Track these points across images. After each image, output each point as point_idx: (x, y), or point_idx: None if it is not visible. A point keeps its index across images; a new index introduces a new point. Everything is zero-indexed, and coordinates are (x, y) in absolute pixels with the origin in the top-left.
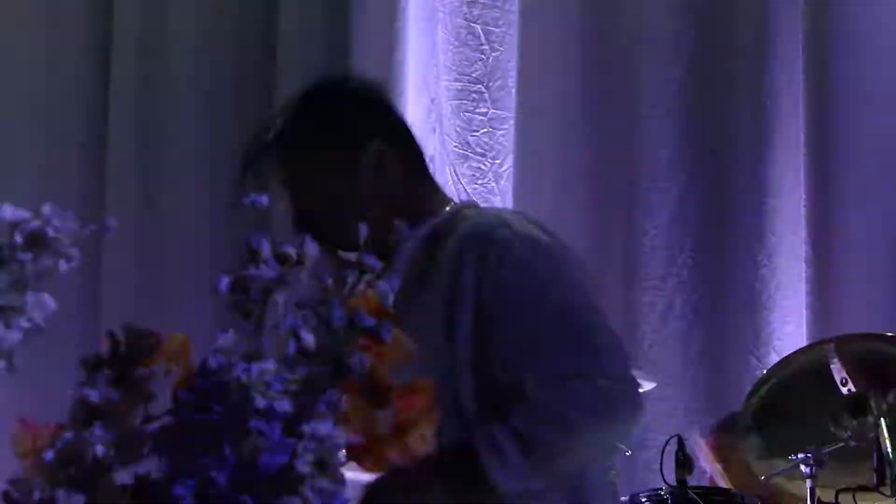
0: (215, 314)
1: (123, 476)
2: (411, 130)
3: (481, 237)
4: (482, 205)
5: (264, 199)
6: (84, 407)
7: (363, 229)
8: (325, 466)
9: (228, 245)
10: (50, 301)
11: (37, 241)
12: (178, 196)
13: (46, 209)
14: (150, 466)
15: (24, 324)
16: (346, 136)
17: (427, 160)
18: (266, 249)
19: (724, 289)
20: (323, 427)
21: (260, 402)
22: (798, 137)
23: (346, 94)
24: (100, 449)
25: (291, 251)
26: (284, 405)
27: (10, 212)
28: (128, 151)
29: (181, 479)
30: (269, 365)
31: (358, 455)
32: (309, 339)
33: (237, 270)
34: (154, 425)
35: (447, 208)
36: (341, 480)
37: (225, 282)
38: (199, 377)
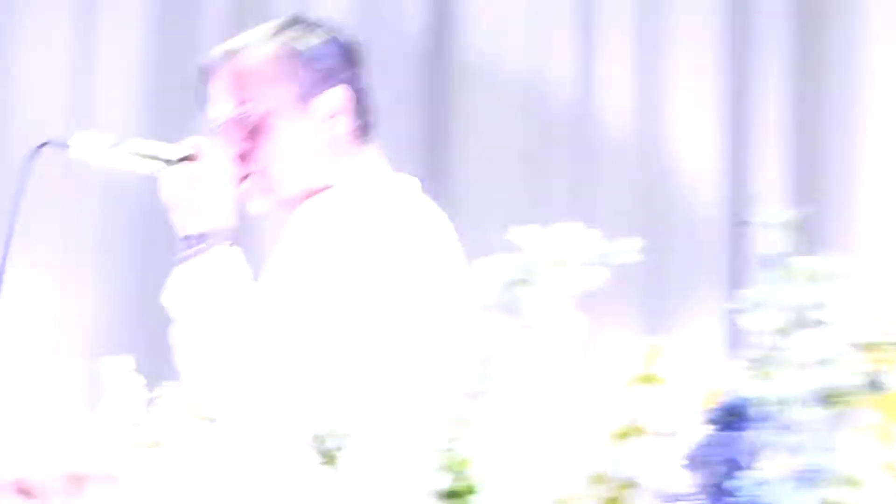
0: None
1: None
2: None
3: None
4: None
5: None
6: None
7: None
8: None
9: None
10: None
11: None
12: None
13: None
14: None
15: None
16: (314, 70)
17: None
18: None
19: None
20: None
21: (784, 418)
22: None
23: (327, 34)
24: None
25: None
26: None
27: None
28: None
29: (714, 496)
30: (795, 381)
31: None
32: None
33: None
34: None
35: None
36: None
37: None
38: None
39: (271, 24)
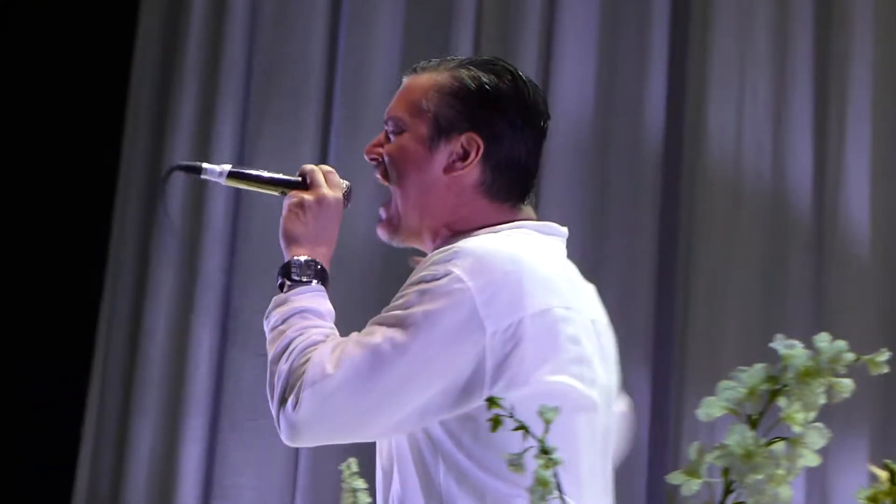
0: None
1: None
2: (534, 145)
3: None
4: None
5: None
6: None
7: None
8: None
9: None
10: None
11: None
12: None
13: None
14: None
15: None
16: (460, 110)
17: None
18: None
19: None
20: None
21: None
22: None
23: (499, 80)
24: None
25: None
26: None
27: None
28: None
29: None
30: None
31: None
32: None
33: None
34: None
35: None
36: None
37: None
38: None
39: (464, 57)
